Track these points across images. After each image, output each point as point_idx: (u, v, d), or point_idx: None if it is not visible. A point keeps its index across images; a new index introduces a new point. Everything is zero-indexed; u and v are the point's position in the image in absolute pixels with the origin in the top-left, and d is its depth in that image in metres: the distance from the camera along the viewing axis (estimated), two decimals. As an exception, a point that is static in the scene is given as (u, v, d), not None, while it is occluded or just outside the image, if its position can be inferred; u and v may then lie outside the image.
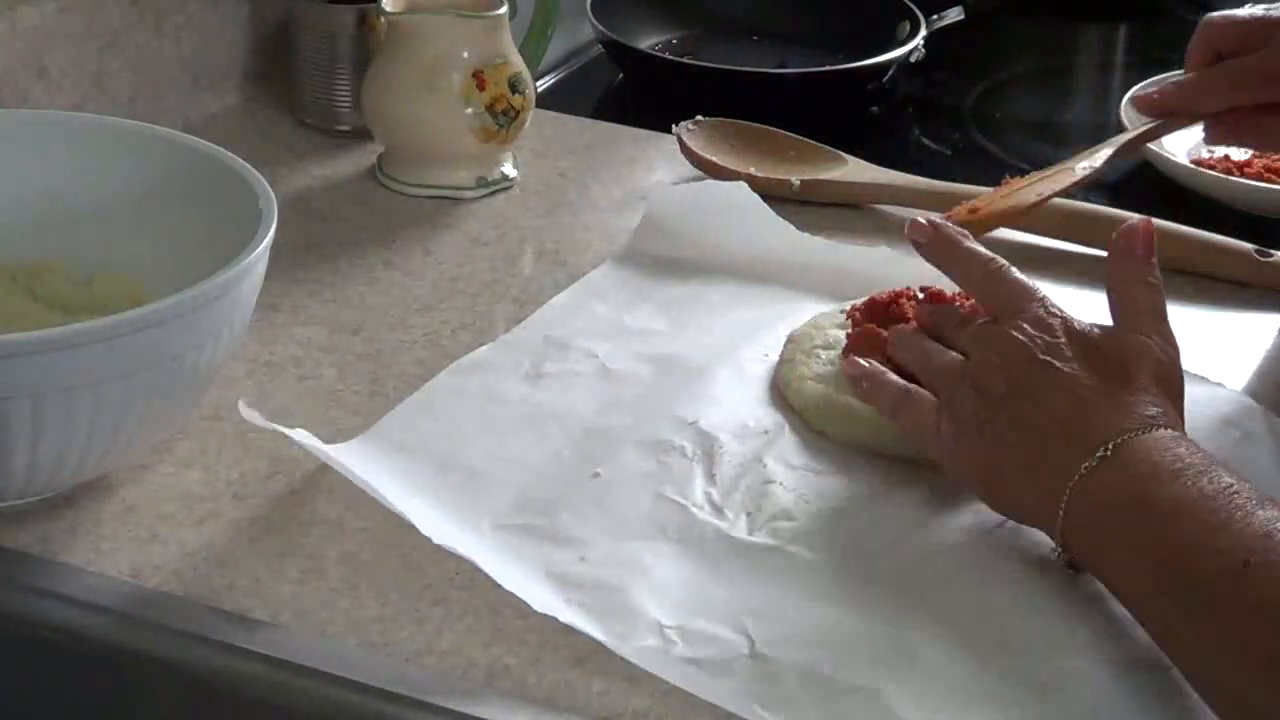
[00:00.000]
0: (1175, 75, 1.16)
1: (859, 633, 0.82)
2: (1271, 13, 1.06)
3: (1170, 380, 0.86)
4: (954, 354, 0.90)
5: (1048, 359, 0.85)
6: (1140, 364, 0.85)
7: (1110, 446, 0.81)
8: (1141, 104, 1.13)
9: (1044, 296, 0.90)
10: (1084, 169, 1.11)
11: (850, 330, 0.99)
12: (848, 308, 1.02)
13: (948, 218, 1.02)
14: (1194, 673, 0.77)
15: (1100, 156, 1.12)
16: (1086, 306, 1.10)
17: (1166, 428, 0.82)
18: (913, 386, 0.91)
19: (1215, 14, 1.09)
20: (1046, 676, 0.80)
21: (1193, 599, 0.76)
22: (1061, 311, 0.88)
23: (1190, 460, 0.80)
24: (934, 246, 0.94)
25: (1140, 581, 0.79)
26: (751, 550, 0.87)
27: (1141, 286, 0.89)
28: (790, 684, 0.79)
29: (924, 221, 0.94)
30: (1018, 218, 1.10)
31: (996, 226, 1.10)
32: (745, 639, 0.81)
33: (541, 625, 0.81)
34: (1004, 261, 0.92)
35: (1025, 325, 0.87)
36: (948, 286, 0.97)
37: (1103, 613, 0.83)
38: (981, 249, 0.93)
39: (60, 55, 1.17)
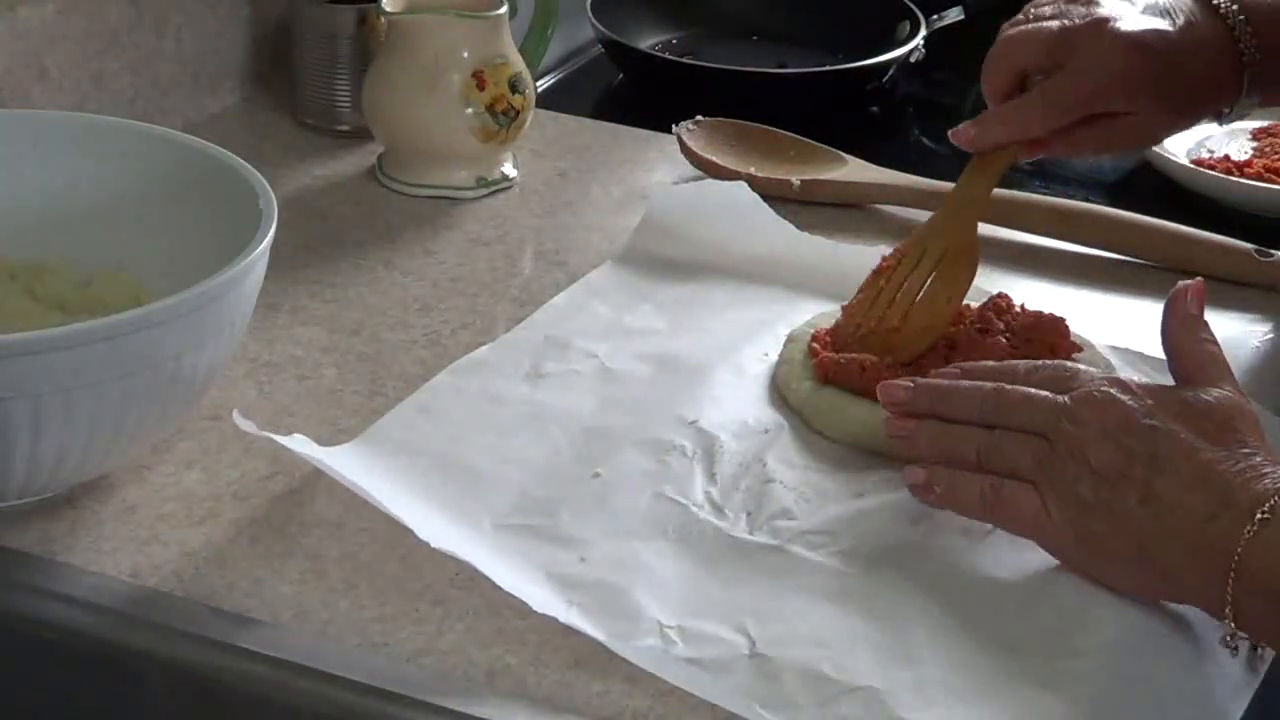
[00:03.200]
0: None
1: (859, 633, 0.82)
2: (1068, 22, 1.02)
3: (1263, 434, 0.83)
4: (1022, 435, 0.84)
5: (1150, 423, 0.81)
6: (1239, 419, 0.82)
7: (1267, 508, 0.77)
8: (961, 139, 1.04)
9: (1080, 369, 0.86)
10: (970, 251, 1.01)
11: (822, 357, 0.98)
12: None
13: (849, 336, 0.98)
14: None
15: (971, 229, 1.02)
16: (1084, 306, 1.10)
17: None
18: (995, 478, 0.85)
19: (1012, 31, 1.05)
20: (1046, 676, 0.80)
21: None
22: (1116, 376, 0.85)
23: None
24: (920, 400, 0.89)
25: None
26: (751, 550, 0.87)
27: (1206, 344, 0.87)
28: (790, 684, 0.79)
29: (896, 384, 0.90)
30: (942, 329, 0.99)
31: (925, 344, 0.98)
32: (745, 639, 0.81)
33: (541, 625, 0.81)
34: (1005, 386, 0.87)
35: (1101, 391, 0.83)
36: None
37: (1103, 612, 0.83)
38: (964, 382, 0.88)
39: (60, 55, 1.17)
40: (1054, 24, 1.03)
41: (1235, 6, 1.03)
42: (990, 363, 0.91)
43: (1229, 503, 0.79)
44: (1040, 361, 0.89)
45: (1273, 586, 0.77)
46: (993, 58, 1.05)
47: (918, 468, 0.88)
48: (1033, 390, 0.86)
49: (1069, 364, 0.88)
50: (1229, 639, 0.79)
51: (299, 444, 0.88)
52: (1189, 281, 0.89)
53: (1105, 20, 1.02)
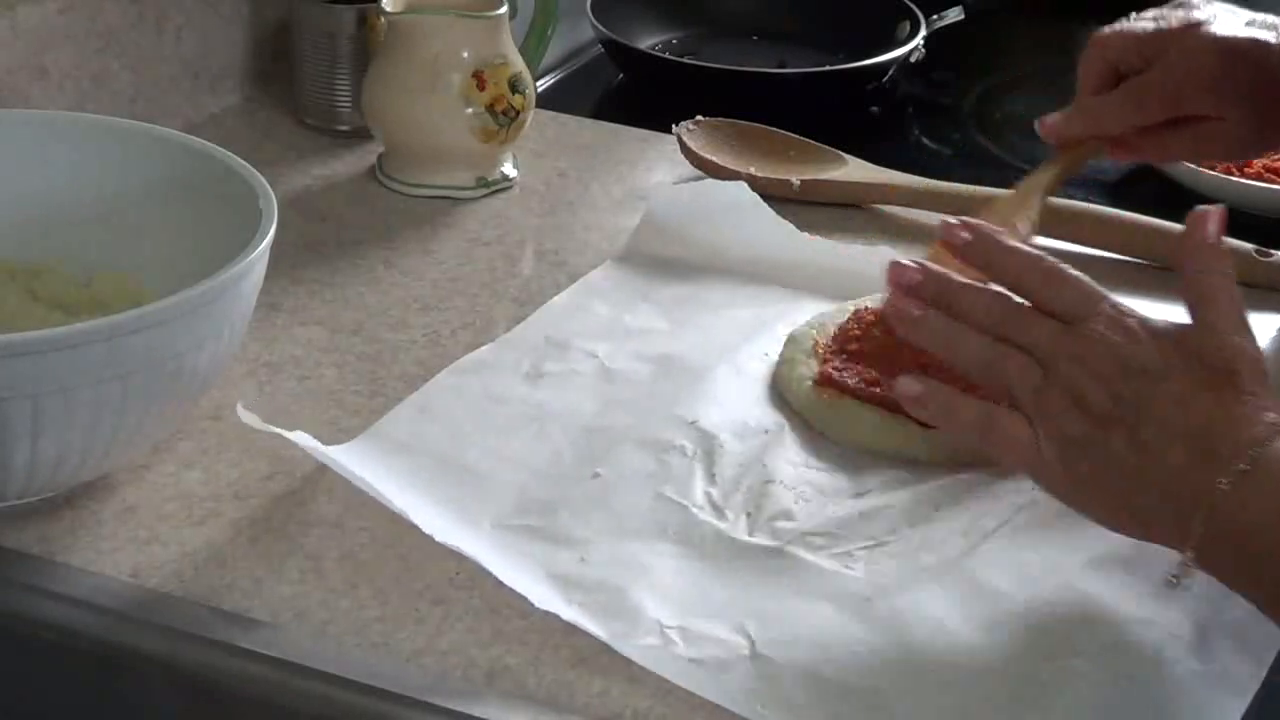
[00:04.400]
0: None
1: (859, 633, 0.82)
2: (1163, 24, 1.03)
3: (1265, 377, 0.82)
4: (1024, 357, 0.83)
5: (1145, 367, 0.81)
6: (1241, 365, 0.81)
7: (1248, 458, 0.77)
8: (1046, 130, 1.06)
9: (1107, 295, 0.84)
10: (1025, 226, 1.01)
11: (831, 366, 0.98)
12: (849, 307, 1.02)
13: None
14: None
15: (1031, 208, 1.03)
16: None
17: None
18: (989, 405, 0.85)
19: (1107, 29, 1.05)
20: (1048, 677, 0.80)
21: None
22: (1132, 310, 0.84)
23: None
24: (974, 247, 0.87)
25: None
26: (752, 550, 0.87)
27: (1219, 278, 0.84)
28: (790, 684, 0.79)
29: (957, 221, 0.88)
30: None
31: None
32: (745, 639, 0.81)
33: (541, 625, 0.81)
34: (1055, 259, 0.86)
35: (1104, 330, 0.82)
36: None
37: (1104, 613, 0.83)
38: (1027, 247, 0.87)
39: (60, 55, 1.17)
40: (1150, 24, 1.03)
41: None
42: (1014, 244, 0.88)
43: (1211, 452, 0.78)
44: (1074, 273, 0.85)
45: (1242, 543, 0.77)
46: (1086, 54, 1.05)
47: (914, 380, 0.86)
48: (1039, 314, 0.84)
49: (1094, 287, 0.85)
50: (1174, 576, 0.80)
51: (303, 439, 0.88)
52: (1211, 207, 0.87)
53: (1201, 23, 1.02)
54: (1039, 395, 0.83)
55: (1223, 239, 0.85)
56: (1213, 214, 0.86)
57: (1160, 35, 1.02)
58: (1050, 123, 1.06)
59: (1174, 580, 0.80)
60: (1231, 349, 0.82)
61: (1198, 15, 1.02)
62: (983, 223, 0.88)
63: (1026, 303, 0.85)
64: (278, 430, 0.88)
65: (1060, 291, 0.84)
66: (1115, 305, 0.84)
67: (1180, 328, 0.83)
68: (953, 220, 0.88)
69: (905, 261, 0.87)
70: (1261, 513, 0.77)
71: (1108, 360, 0.82)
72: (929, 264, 0.87)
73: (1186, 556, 0.79)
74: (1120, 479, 0.81)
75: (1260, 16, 1.03)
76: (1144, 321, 0.83)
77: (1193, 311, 0.84)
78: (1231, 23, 1.02)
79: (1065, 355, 0.82)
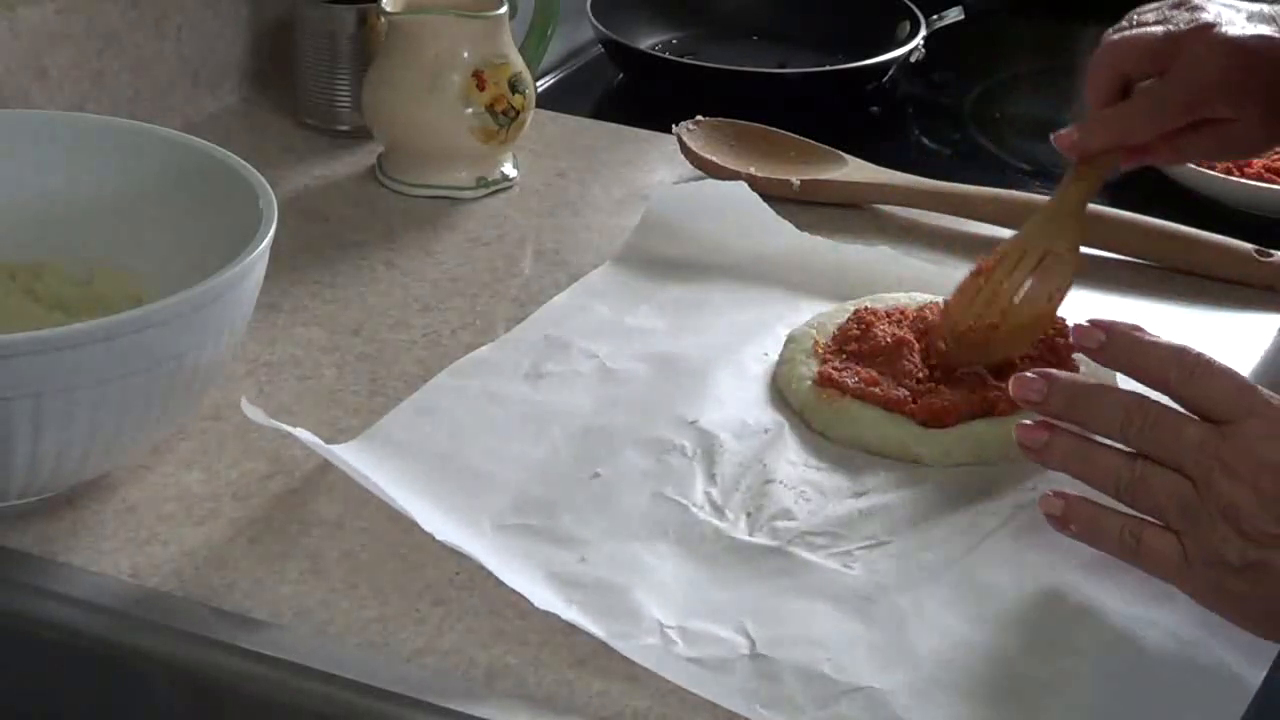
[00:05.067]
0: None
1: (859, 633, 0.82)
2: (1172, 27, 1.01)
3: None
4: (1172, 475, 0.81)
5: None
6: None
7: None
8: (1065, 144, 1.02)
9: (1260, 389, 0.80)
10: (1071, 255, 0.99)
11: (831, 367, 0.98)
12: (849, 307, 1.02)
13: (948, 335, 0.96)
14: None
15: (1072, 231, 1.00)
16: (1085, 306, 1.10)
17: None
18: (1136, 520, 0.83)
19: (1116, 36, 1.03)
20: (1047, 677, 0.80)
21: None
22: None
23: None
24: (1113, 349, 0.84)
25: None
26: (752, 551, 0.87)
27: None
28: (790, 684, 0.79)
29: (1089, 325, 0.85)
30: (1042, 329, 0.98)
31: (1025, 343, 0.98)
32: (745, 639, 0.81)
33: (542, 625, 0.81)
34: (1200, 351, 0.82)
35: (1262, 434, 0.78)
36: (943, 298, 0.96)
37: (1104, 612, 0.83)
38: (1168, 341, 0.83)
39: (60, 55, 1.17)
40: (1158, 29, 1.01)
41: None
42: (1153, 339, 0.84)
43: None
44: (1223, 366, 0.81)
45: None
46: (1096, 63, 1.03)
47: (1056, 498, 0.86)
48: (1185, 414, 0.81)
49: (1240, 377, 0.80)
50: None
51: (307, 436, 0.88)
52: None
53: (1211, 25, 1.00)
54: (1189, 514, 0.80)
55: None
56: None
57: (1171, 39, 1.01)
58: (1067, 137, 1.02)
59: None
60: None
61: (1205, 16, 1.01)
62: (1117, 322, 0.85)
63: (1168, 402, 0.82)
64: (281, 426, 0.88)
65: (1209, 388, 0.80)
66: (1270, 401, 0.79)
67: None
68: (1084, 323, 0.85)
69: (1028, 375, 0.86)
70: None
71: (1268, 474, 0.77)
72: (1053, 372, 0.86)
73: None
74: None
75: (1258, 8, 1.03)
76: None
77: None
78: (1237, 20, 1.01)
79: (1219, 467, 0.79)
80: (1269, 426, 0.78)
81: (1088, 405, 0.84)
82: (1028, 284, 0.98)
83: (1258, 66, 1.00)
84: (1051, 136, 1.03)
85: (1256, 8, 1.03)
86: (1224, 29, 1.00)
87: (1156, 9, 1.04)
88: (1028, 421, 0.87)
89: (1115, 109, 1.02)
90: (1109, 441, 0.84)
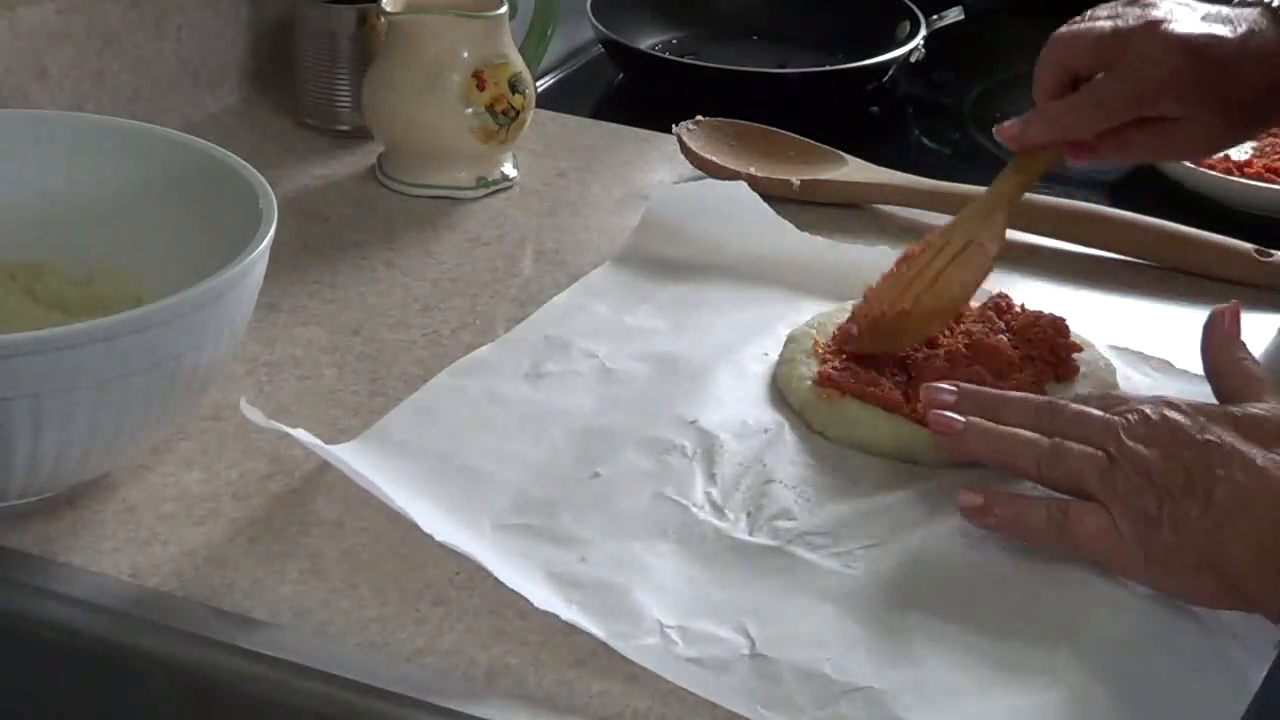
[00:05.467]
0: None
1: (859, 633, 0.82)
2: (1120, 23, 1.01)
3: None
4: (1083, 448, 0.85)
5: (1206, 437, 0.82)
6: None
7: None
8: (1006, 135, 1.04)
9: (1131, 394, 0.88)
10: (993, 245, 1.01)
11: (831, 366, 0.98)
12: (849, 307, 1.02)
13: (863, 320, 0.98)
14: None
15: (998, 223, 1.02)
16: (1084, 306, 1.10)
17: None
18: (1058, 499, 0.85)
19: (1065, 30, 1.03)
20: (1047, 676, 0.80)
21: None
22: (1166, 398, 0.85)
23: None
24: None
25: None
26: (752, 551, 0.87)
27: (1245, 362, 0.89)
28: (791, 684, 0.79)
29: (946, 389, 0.90)
30: (951, 314, 1.00)
31: (935, 328, 0.99)
32: (745, 639, 0.81)
33: (542, 625, 0.81)
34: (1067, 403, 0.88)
35: (1157, 411, 0.84)
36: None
37: (1103, 611, 0.83)
38: (1031, 396, 0.90)
39: (60, 55, 1.17)
40: (1107, 24, 1.01)
41: None
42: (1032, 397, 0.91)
43: None
44: (1086, 393, 0.90)
45: None
46: (1044, 58, 1.03)
47: (975, 492, 0.87)
48: (1086, 408, 0.86)
49: (1116, 392, 0.89)
50: None
51: (306, 436, 0.88)
52: (1225, 305, 0.91)
53: (1159, 21, 1.00)
54: (1107, 478, 0.83)
55: (1240, 329, 0.91)
56: (1229, 310, 0.91)
57: (1119, 35, 1.00)
58: (1010, 129, 1.04)
59: None
60: (1278, 414, 0.84)
61: (1155, 14, 1.00)
62: (956, 385, 0.91)
63: (1070, 404, 0.88)
64: (280, 427, 0.88)
65: (1080, 420, 0.86)
66: (1143, 398, 0.86)
67: (1221, 405, 0.85)
68: (936, 385, 0.91)
69: (938, 385, 0.91)
70: None
71: (1168, 433, 0.83)
72: (963, 385, 0.91)
73: None
74: (1204, 543, 0.80)
75: (1213, 9, 1.02)
76: (1183, 401, 0.84)
77: (1229, 397, 0.87)
78: (1189, 19, 1.00)
79: (1126, 434, 0.83)
80: (1155, 406, 0.84)
81: (997, 404, 0.89)
82: (945, 270, 0.99)
83: (1206, 65, 0.99)
84: (995, 130, 1.04)
85: (1212, 8, 1.02)
86: (1173, 26, 1.00)
87: (1110, 6, 1.04)
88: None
89: (1057, 103, 1.03)
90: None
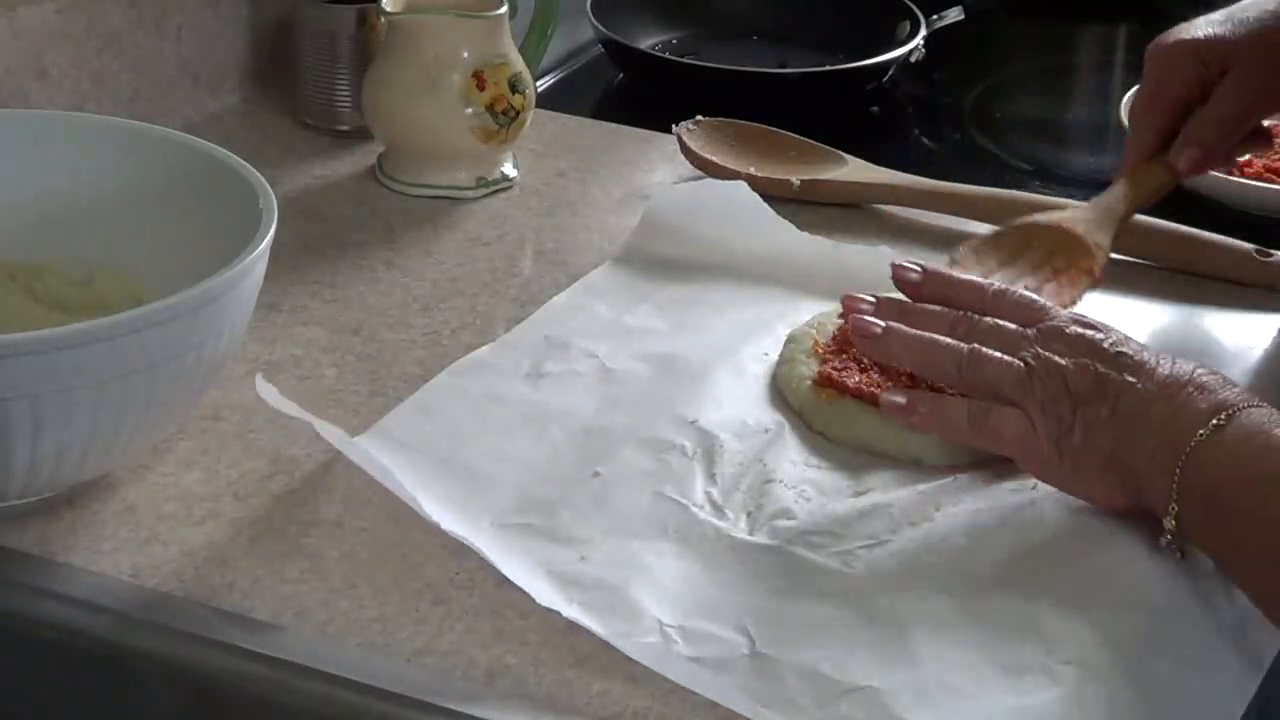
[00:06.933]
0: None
1: (859, 633, 0.82)
2: (1215, 34, 1.08)
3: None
4: (1003, 355, 0.89)
5: (1119, 350, 0.87)
6: (1197, 362, 0.87)
7: (1223, 416, 0.82)
8: (1190, 167, 1.10)
9: (1054, 308, 0.92)
10: (1097, 266, 1.06)
11: (828, 368, 0.98)
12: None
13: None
14: None
15: (1106, 249, 1.07)
16: (1084, 306, 1.10)
17: (1262, 406, 0.84)
18: (979, 401, 0.89)
19: (1165, 55, 1.09)
20: (1048, 674, 0.80)
21: None
22: (1081, 315, 0.91)
23: None
24: (928, 284, 0.95)
25: (1250, 552, 0.81)
26: (752, 550, 0.87)
27: None
28: (790, 684, 0.79)
29: (907, 264, 0.95)
30: None
31: None
32: (745, 638, 0.81)
33: (542, 625, 0.81)
34: (1001, 284, 0.94)
35: (1071, 325, 0.90)
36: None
37: (1104, 609, 0.83)
38: (975, 278, 0.95)
39: (60, 55, 1.17)
40: (1197, 30, 1.09)
41: None
42: (960, 276, 0.96)
43: (1191, 411, 0.84)
44: (1008, 288, 0.94)
45: (1210, 491, 0.81)
46: (1150, 82, 1.11)
47: (898, 391, 0.91)
48: (1000, 320, 0.91)
49: (1036, 298, 0.93)
50: (1170, 541, 0.84)
51: (324, 428, 0.87)
52: None
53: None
54: (1025, 385, 0.88)
55: None
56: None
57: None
58: (1192, 160, 1.10)
59: (1172, 549, 0.84)
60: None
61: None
62: (874, 296, 0.94)
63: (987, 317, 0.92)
64: (294, 408, 0.87)
65: (1014, 306, 0.92)
66: (1059, 313, 0.91)
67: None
68: (855, 295, 0.94)
69: (858, 295, 0.94)
70: (1227, 466, 0.81)
71: (1082, 344, 0.88)
72: (878, 295, 0.94)
73: (1169, 522, 0.83)
74: (1110, 443, 0.85)
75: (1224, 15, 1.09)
76: (1103, 323, 0.90)
77: None
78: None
79: (1041, 345, 0.89)
80: (1061, 322, 0.90)
81: (917, 313, 0.93)
82: (1048, 286, 1.03)
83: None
84: (1177, 163, 1.10)
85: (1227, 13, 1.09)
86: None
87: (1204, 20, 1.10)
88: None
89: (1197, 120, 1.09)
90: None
